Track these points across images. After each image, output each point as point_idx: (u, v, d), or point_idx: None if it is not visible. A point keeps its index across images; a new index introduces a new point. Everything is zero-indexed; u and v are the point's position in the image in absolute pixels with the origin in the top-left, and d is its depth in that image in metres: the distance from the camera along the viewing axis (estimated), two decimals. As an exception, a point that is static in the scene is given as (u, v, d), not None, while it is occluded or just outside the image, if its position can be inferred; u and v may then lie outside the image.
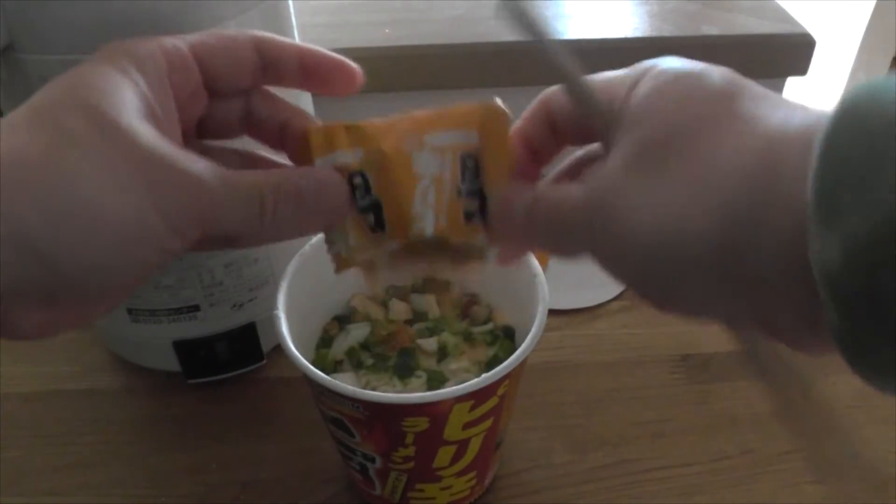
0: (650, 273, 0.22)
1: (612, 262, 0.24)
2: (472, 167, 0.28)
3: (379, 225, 0.28)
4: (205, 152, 0.28)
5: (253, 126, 0.29)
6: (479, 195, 0.28)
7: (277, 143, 0.29)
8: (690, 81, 0.23)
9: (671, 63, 0.24)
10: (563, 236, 0.25)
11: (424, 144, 0.27)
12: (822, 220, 0.17)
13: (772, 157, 0.19)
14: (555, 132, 0.28)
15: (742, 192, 0.19)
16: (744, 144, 0.20)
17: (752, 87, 0.22)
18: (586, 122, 0.26)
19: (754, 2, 0.71)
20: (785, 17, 0.68)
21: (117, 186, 0.22)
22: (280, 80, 0.28)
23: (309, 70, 0.28)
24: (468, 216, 0.29)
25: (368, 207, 0.28)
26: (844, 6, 1.13)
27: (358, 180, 0.27)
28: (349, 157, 0.27)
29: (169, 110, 0.24)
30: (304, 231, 0.28)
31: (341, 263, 0.30)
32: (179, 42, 0.25)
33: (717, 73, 0.23)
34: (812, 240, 0.17)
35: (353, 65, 0.28)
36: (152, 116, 0.24)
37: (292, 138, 0.29)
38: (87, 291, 0.23)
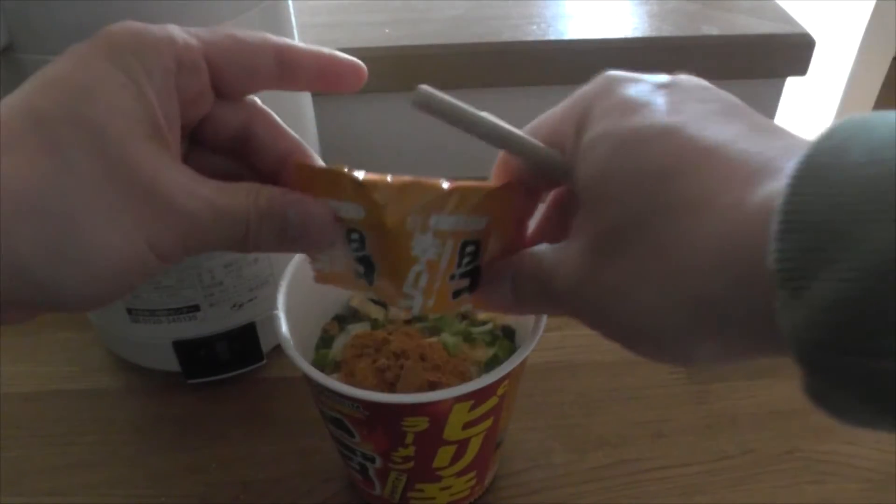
0: (637, 349, 0.23)
1: (606, 337, 0.24)
2: (472, 251, 0.27)
3: (368, 278, 0.28)
4: (198, 153, 0.28)
5: (250, 152, 0.28)
6: (472, 274, 0.28)
7: (272, 174, 0.28)
8: (641, 151, 0.21)
9: (616, 103, 0.22)
10: (544, 309, 0.26)
11: (429, 227, 0.26)
12: (787, 293, 0.17)
13: (735, 242, 0.19)
14: (525, 188, 0.28)
15: (712, 282, 0.19)
16: (705, 232, 0.19)
17: (701, 134, 0.21)
18: (544, 175, 0.26)
19: (754, 2, 0.71)
20: (785, 17, 0.68)
21: (113, 223, 0.22)
22: (293, 87, 0.27)
23: (324, 76, 0.27)
24: (456, 294, 0.28)
25: (360, 259, 0.27)
26: (844, 6, 1.13)
27: (355, 236, 0.27)
28: (350, 211, 0.26)
29: (172, 117, 0.24)
30: (285, 252, 0.28)
31: (322, 278, 0.29)
32: (192, 40, 0.24)
33: (665, 126, 0.21)
34: (779, 309, 0.17)
35: (361, 64, 0.28)
36: (155, 130, 0.23)
37: (290, 170, 0.28)
38: (75, 305, 0.23)
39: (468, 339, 0.40)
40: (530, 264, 0.26)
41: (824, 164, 0.17)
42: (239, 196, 0.25)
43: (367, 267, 0.27)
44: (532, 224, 0.30)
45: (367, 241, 0.27)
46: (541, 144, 0.25)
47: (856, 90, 1.16)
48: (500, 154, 0.27)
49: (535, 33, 0.65)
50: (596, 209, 0.22)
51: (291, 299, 0.37)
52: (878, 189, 0.16)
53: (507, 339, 0.41)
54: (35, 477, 0.44)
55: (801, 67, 0.67)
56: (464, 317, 0.43)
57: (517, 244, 0.28)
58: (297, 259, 0.39)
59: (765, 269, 0.17)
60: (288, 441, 0.45)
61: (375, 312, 0.42)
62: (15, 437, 0.46)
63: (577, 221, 0.24)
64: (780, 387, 0.48)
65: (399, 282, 0.27)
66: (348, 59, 0.27)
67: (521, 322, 0.40)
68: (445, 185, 0.25)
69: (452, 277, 0.27)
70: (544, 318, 0.35)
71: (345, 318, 0.43)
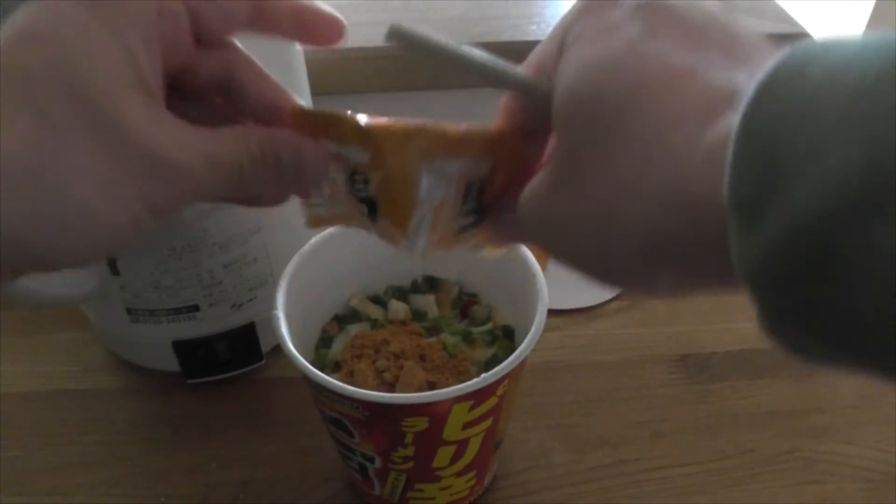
0: (596, 279, 0.23)
1: (566, 266, 0.24)
2: (476, 190, 0.27)
3: (371, 218, 0.28)
4: (178, 102, 0.27)
5: (233, 99, 0.27)
6: (476, 211, 0.28)
7: (257, 122, 0.28)
8: (603, 79, 0.20)
9: (589, 27, 0.22)
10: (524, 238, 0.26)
11: (433, 172, 0.26)
12: (741, 225, 0.16)
13: (689, 177, 0.18)
14: (530, 134, 0.27)
15: (664, 218, 0.19)
16: (658, 167, 0.19)
17: (668, 62, 0.20)
18: (536, 107, 0.25)
19: (754, 2, 0.71)
20: (785, 17, 0.68)
21: (105, 184, 0.21)
22: (270, 31, 0.27)
23: (302, 25, 0.27)
24: (461, 230, 0.28)
25: (363, 200, 0.27)
26: (844, 6, 1.13)
27: (359, 177, 0.27)
28: (354, 154, 0.26)
29: (156, 68, 0.23)
30: (277, 199, 0.28)
31: (318, 221, 0.29)
32: None
33: (630, 53, 0.20)
34: (732, 242, 0.17)
35: (341, 18, 0.27)
36: (141, 81, 0.22)
37: (287, 115, 0.27)
38: (63, 266, 0.23)
39: (468, 339, 0.40)
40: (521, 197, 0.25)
41: (783, 87, 0.16)
42: (228, 142, 0.24)
43: (371, 208, 0.27)
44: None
45: (371, 184, 0.26)
46: (522, 73, 0.24)
47: (856, 90, 1.15)
48: (503, 99, 0.27)
49: (534, 33, 0.65)
50: (560, 136, 0.22)
51: (291, 299, 0.37)
52: (841, 113, 0.14)
53: (506, 339, 0.41)
54: (35, 477, 0.44)
55: (801, 67, 0.67)
56: (463, 316, 0.43)
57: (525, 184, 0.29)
58: (297, 259, 0.39)
59: (720, 204, 0.16)
60: (288, 441, 0.45)
61: (375, 312, 0.42)
62: (15, 437, 0.46)
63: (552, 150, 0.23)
64: (780, 387, 0.48)
65: (402, 226, 0.27)
66: (328, 12, 0.27)
67: (520, 322, 0.40)
68: (450, 129, 0.25)
69: (455, 218, 0.27)
70: (544, 319, 0.35)
71: (344, 318, 0.43)
